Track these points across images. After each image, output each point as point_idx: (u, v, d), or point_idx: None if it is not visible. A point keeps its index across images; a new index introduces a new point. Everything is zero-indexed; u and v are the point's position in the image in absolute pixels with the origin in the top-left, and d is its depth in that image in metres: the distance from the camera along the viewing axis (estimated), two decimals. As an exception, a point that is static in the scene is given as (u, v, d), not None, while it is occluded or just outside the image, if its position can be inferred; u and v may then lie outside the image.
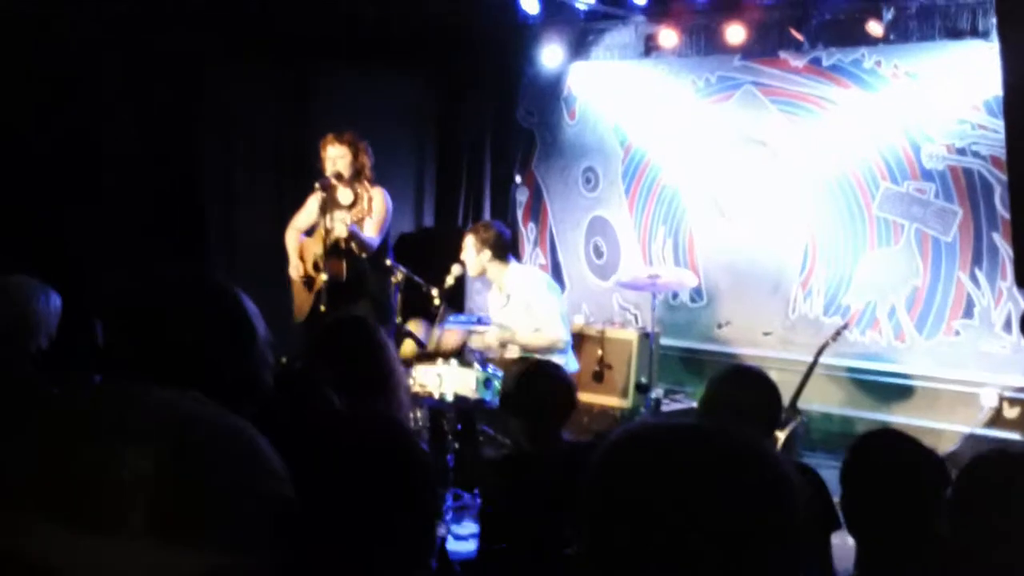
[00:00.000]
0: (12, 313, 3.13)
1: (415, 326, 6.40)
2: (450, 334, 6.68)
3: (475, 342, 6.58)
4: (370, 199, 6.30)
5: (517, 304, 6.41)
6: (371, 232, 6.28)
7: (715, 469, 1.27)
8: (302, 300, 6.45)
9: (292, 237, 6.55)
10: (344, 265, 6.26)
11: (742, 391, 3.49)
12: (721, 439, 1.33)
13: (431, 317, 6.38)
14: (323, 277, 6.17)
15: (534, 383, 4.24)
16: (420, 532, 1.72)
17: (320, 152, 6.40)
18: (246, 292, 1.92)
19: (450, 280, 6.26)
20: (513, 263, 6.53)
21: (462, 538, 5.20)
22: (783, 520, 1.27)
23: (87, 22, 6.37)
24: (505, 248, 6.48)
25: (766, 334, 7.60)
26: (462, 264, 6.50)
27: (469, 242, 6.44)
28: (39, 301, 3.18)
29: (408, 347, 6.13)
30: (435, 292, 6.10)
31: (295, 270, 6.49)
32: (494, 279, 6.53)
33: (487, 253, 6.37)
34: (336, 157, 6.32)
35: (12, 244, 5.61)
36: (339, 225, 6.19)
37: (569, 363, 6.42)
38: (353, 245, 6.23)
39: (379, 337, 3.19)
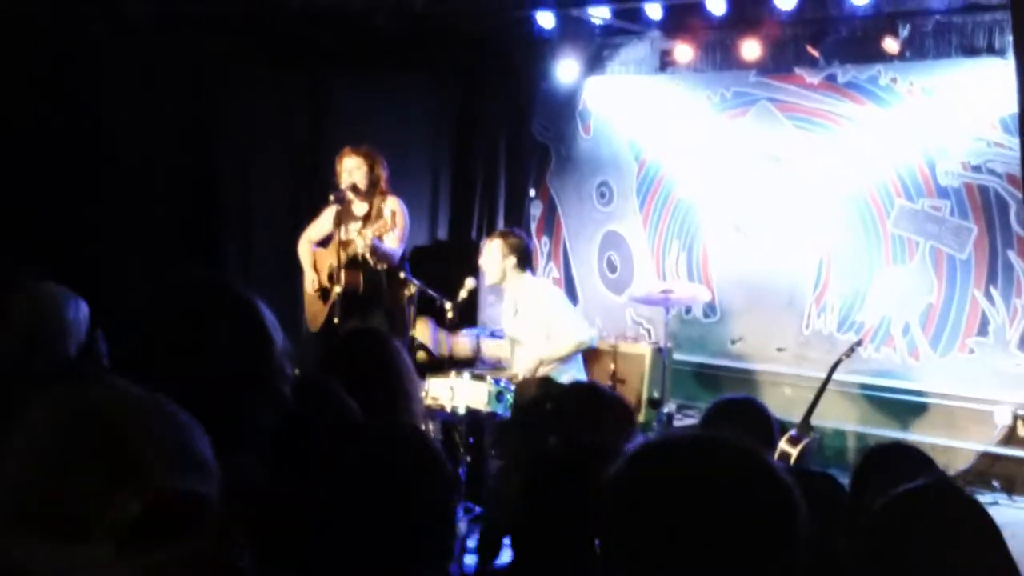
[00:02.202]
0: (41, 321, 3.13)
1: (423, 327, 6.33)
2: (462, 341, 6.64)
3: (508, 372, 6.37)
4: (393, 212, 6.28)
5: (526, 316, 6.38)
6: (393, 244, 6.28)
7: (729, 481, 1.30)
8: (316, 311, 6.44)
9: (305, 248, 6.55)
10: (361, 277, 6.26)
11: (733, 425, 3.48)
12: (731, 452, 1.36)
13: (437, 315, 6.31)
14: (338, 289, 6.17)
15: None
16: (438, 540, 1.73)
17: (336, 165, 6.41)
18: (261, 301, 1.90)
19: (464, 293, 6.25)
20: (529, 274, 6.49)
21: (473, 551, 5.17)
22: (789, 529, 1.33)
23: (107, 26, 6.42)
24: (527, 259, 6.41)
25: (780, 350, 7.58)
26: (478, 273, 6.48)
27: (495, 246, 6.34)
28: (68, 309, 3.17)
29: (421, 357, 6.13)
30: (448, 305, 6.10)
31: (310, 283, 6.49)
32: (508, 288, 6.48)
33: (512, 259, 6.29)
34: (352, 169, 6.33)
35: (32, 251, 5.64)
36: (359, 240, 6.16)
37: (578, 374, 6.39)
38: (373, 258, 6.21)
39: (392, 350, 3.17)
